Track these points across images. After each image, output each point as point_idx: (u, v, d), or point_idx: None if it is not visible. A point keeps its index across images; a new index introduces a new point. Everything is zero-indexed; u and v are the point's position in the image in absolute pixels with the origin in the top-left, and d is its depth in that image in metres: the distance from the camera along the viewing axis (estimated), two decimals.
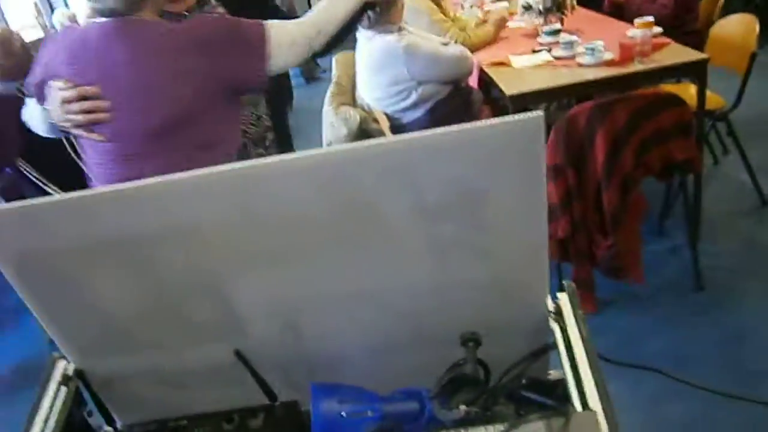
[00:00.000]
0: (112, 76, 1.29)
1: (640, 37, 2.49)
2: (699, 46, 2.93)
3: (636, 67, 2.46)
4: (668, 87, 2.95)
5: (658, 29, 2.68)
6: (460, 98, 2.71)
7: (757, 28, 2.66)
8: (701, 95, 2.48)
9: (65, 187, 0.91)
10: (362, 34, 2.68)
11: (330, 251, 0.78)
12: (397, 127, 2.76)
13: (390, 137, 0.69)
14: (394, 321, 0.82)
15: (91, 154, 1.39)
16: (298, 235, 0.76)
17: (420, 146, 0.68)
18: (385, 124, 2.80)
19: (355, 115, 3.35)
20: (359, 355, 0.85)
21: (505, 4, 4.02)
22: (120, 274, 0.82)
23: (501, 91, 2.57)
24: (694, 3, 3.31)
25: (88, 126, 1.32)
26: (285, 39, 1.39)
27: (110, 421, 0.95)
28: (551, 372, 0.88)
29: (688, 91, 2.86)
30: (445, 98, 2.67)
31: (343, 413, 0.78)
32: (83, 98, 1.29)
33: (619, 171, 2.24)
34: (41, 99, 1.39)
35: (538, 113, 0.65)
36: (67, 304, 0.83)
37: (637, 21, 2.70)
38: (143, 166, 1.32)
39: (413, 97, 2.64)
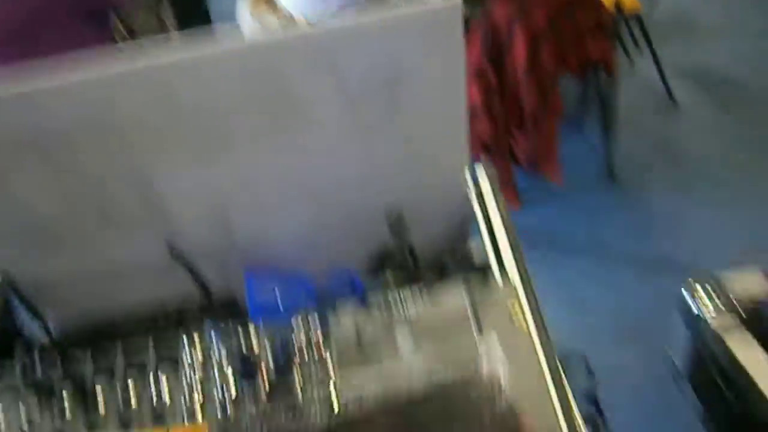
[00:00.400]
0: None
1: None
2: None
3: None
4: None
5: None
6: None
7: None
8: None
9: None
10: None
11: (256, 141, 0.79)
12: None
13: (309, 29, 0.69)
14: (322, 205, 0.85)
15: None
16: (223, 127, 0.76)
17: (341, 33, 0.69)
18: None
19: (274, 22, 3.25)
20: (290, 240, 0.88)
21: None
22: (40, 175, 0.80)
23: None
24: None
25: None
26: None
27: (43, 328, 0.95)
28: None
29: None
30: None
31: (277, 298, 0.81)
32: None
33: (538, 70, 2.29)
34: None
35: (456, 2, 0.67)
36: None
37: None
38: None
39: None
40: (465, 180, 0.84)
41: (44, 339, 0.91)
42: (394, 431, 0.67)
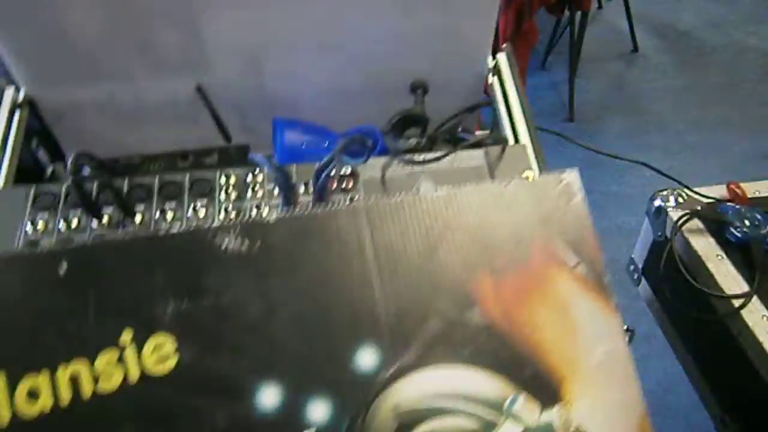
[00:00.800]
0: None
1: None
2: None
3: None
4: None
5: None
6: None
7: None
8: None
9: None
10: None
11: None
12: None
13: None
14: (351, 64, 0.90)
15: None
16: None
17: None
18: None
19: None
20: (317, 98, 0.93)
21: None
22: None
23: None
24: None
25: None
26: None
27: (58, 159, 0.97)
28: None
29: None
30: None
31: (303, 144, 0.86)
32: None
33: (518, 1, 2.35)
34: None
35: None
36: (24, 22, 0.81)
37: None
38: None
39: None
40: (487, 62, 0.90)
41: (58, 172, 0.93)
42: None
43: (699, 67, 3.05)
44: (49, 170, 0.94)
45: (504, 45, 0.93)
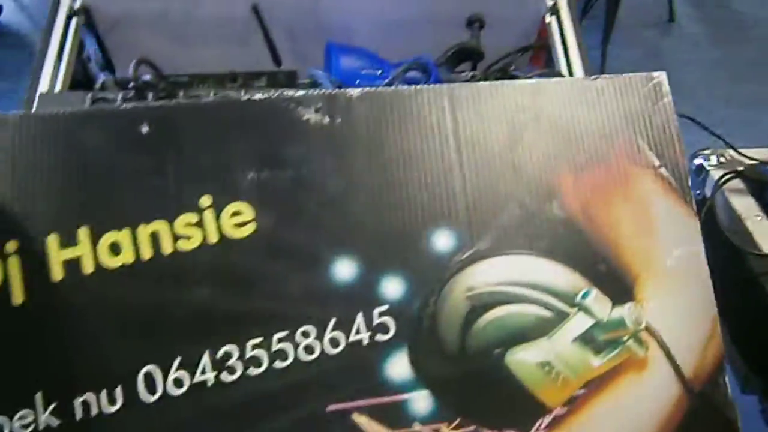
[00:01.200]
0: None
1: None
2: None
3: None
4: None
5: None
6: None
7: None
8: None
9: None
10: None
11: None
12: None
13: None
14: None
15: None
16: None
17: None
18: None
19: None
20: (372, 27, 0.92)
21: None
22: None
23: None
24: None
25: None
26: None
27: (109, 71, 0.97)
28: None
29: None
30: None
31: (358, 70, 0.86)
32: None
33: None
34: None
35: None
36: None
37: None
38: None
39: None
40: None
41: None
42: None
43: (734, 41, 2.99)
44: (100, 81, 0.94)
45: None
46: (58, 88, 0.83)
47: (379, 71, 0.87)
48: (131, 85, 0.72)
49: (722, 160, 1.12)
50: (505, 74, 0.90)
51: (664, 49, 2.96)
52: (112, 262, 0.43)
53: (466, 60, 0.88)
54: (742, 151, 1.11)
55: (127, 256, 0.43)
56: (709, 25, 3.10)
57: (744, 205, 1.03)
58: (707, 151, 1.14)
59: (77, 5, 0.88)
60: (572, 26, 0.87)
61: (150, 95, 0.75)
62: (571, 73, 0.84)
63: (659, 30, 3.06)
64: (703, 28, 3.08)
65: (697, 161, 1.12)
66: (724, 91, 2.71)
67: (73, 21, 0.86)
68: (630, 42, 2.96)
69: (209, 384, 0.43)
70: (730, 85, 2.74)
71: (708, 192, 1.08)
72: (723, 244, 1.03)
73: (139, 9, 0.90)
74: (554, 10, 0.91)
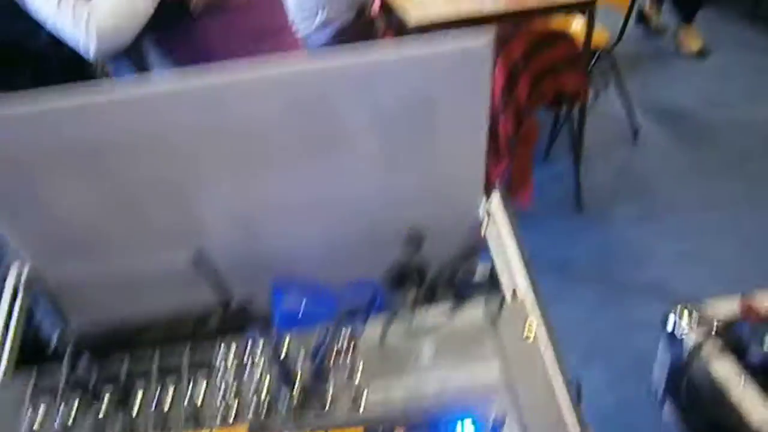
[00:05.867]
0: None
1: None
2: None
3: (532, 2, 2.60)
4: (557, 22, 3.12)
5: None
6: (363, 25, 2.75)
7: None
8: (589, 32, 2.67)
9: None
10: None
11: (292, 161, 0.84)
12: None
13: (355, 53, 0.74)
14: (346, 222, 0.90)
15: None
16: (262, 146, 0.81)
17: (383, 64, 0.75)
18: None
19: None
20: (314, 254, 0.93)
21: None
22: (81, 181, 0.84)
23: (401, 17, 2.63)
24: None
25: None
26: None
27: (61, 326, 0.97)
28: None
29: (574, 26, 3.05)
30: (349, 25, 2.69)
31: (300, 310, 0.86)
32: None
33: (515, 100, 2.40)
34: None
35: (490, 34, 0.74)
36: (25, 207, 0.84)
37: None
38: None
39: (319, 17, 2.64)
40: (481, 206, 0.90)
41: (64, 344, 0.93)
42: None
43: (702, 146, 3.06)
44: (55, 336, 0.94)
45: (495, 188, 0.94)
46: (3, 367, 0.83)
47: (324, 307, 0.87)
48: (64, 376, 0.72)
49: (694, 317, 1.10)
50: (452, 285, 0.90)
51: (636, 164, 3.03)
52: None
53: (410, 277, 0.88)
54: (713, 306, 1.09)
55: None
56: (674, 134, 3.20)
57: (725, 370, 1.00)
58: (678, 310, 1.12)
59: (25, 273, 0.90)
60: (510, 233, 0.88)
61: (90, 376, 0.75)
62: (514, 289, 0.84)
63: (628, 146, 3.14)
64: (669, 138, 3.17)
65: (670, 326, 1.10)
66: (702, 196, 2.74)
67: (19, 297, 0.87)
68: (601, 161, 3.03)
69: None
70: (706, 189, 2.77)
71: (685, 356, 1.05)
72: (712, 414, 0.99)
73: (84, 271, 0.91)
74: (491, 217, 0.92)
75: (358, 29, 2.73)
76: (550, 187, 2.89)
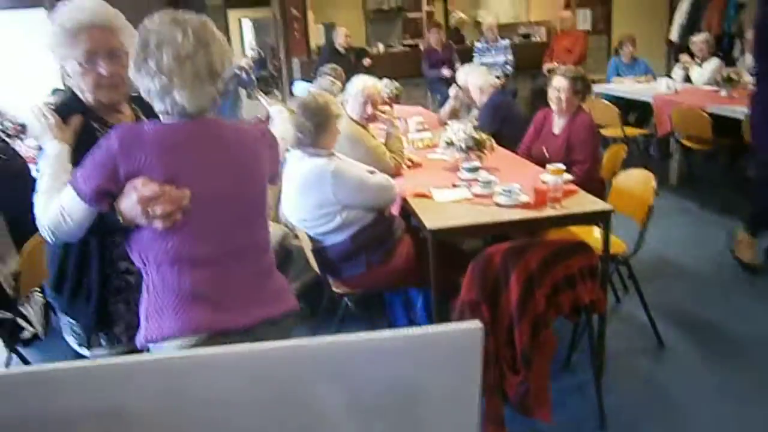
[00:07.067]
0: (217, 160, 1.53)
1: (552, 183, 2.68)
2: (601, 191, 3.19)
3: (548, 212, 2.64)
4: (574, 229, 3.15)
5: (568, 176, 2.91)
6: (382, 226, 2.79)
7: (654, 183, 2.93)
8: (606, 242, 2.67)
9: None
10: (293, 154, 2.74)
11: None
12: (318, 250, 2.79)
13: (329, 337, 0.70)
14: None
15: (171, 239, 1.50)
16: (229, 425, 0.75)
17: (360, 347, 0.71)
18: (306, 245, 2.82)
19: (276, 231, 3.37)
20: None
21: (429, 134, 4.26)
22: None
23: (419, 221, 2.68)
24: (600, 156, 3.64)
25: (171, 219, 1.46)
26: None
27: None
28: None
29: (592, 233, 3.07)
30: (368, 225, 2.74)
31: None
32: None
33: (531, 311, 2.34)
34: (100, 199, 1.47)
35: (477, 324, 0.69)
36: None
37: (550, 167, 2.92)
38: (231, 238, 1.56)
39: (337, 220, 2.69)
40: None
41: None
42: None
43: (731, 363, 2.91)
44: None
45: None
46: None
47: None
48: None
49: None
50: None
51: (661, 377, 2.87)
52: None
53: None
54: None
55: None
56: (700, 347, 3.06)
57: None
58: None
59: None
60: None
61: None
62: None
63: (652, 356, 3.00)
64: (695, 351, 3.03)
65: None
66: (732, 419, 2.54)
67: None
68: (624, 372, 2.89)
69: None
70: (736, 413, 2.58)
71: None
72: None
73: None
74: None
75: (377, 230, 2.76)
76: (570, 400, 2.73)
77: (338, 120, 2.75)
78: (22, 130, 5.10)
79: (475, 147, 3.24)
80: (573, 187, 2.85)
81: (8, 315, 2.83)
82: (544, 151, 3.61)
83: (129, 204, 1.45)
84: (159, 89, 1.46)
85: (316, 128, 2.64)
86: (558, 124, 3.65)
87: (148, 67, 1.44)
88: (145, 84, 1.46)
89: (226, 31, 9.62)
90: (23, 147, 4.13)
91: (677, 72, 6.44)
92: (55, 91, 5.96)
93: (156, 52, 1.44)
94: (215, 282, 1.55)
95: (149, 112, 1.69)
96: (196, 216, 1.50)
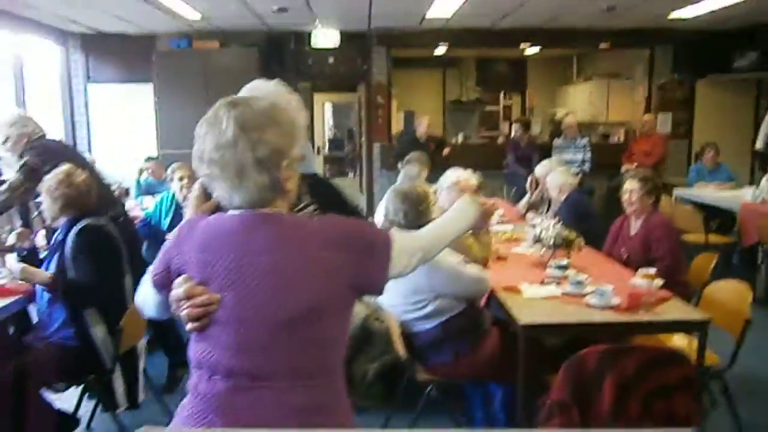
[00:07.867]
0: (249, 265, 1.33)
1: (646, 287, 2.67)
2: (686, 296, 3.11)
3: (643, 316, 2.61)
4: (662, 335, 3.08)
5: (659, 281, 2.88)
6: (472, 316, 2.81)
7: (750, 296, 2.86)
8: (701, 352, 2.61)
9: None
10: None
11: None
12: (407, 336, 2.82)
13: None
14: None
15: (202, 343, 1.39)
16: None
17: None
18: (396, 331, 2.85)
19: (360, 311, 3.43)
20: None
21: (510, 226, 4.32)
22: None
23: (509, 315, 2.69)
24: (682, 258, 3.58)
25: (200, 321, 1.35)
26: (406, 249, 1.50)
27: None
28: None
29: (681, 341, 3.00)
30: (458, 314, 2.76)
31: None
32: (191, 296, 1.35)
33: (624, 418, 2.28)
34: (162, 287, 1.45)
35: None
36: None
37: (642, 271, 2.90)
38: (264, 358, 1.34)
39: (429, 308, 2.73)
40: None
41: None
42: None
43: None
44: None
45: None
46: None
47: None
48: None
49: None
50: None
51: None
52: None
53: None
54: None
55: None
56: None
57: None
58: None
59: None
60: None
61: None
62: None
63: None
64: None
65: None
66: None
67: None
68: None
69: None
70: None
71: None
72: None
73: None
74: None
75: (466, 320, 2.78)
76: None
77: (435, 210, 2.85)
78: (125, 192, 5.45)
79: (564, 245, 3.26)
80: (666, 293, 2.82)
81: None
82: (623, 252, 3.60)
83: (171, 299, 1.40)
84: (208, 180, 1.39)
85: (419, 216, 2.73)
86: (634, 226, 3.69)
87: (197, 152, 1.37)
88: (202, 171, 1.39)
89: (311, 112, 10.08)
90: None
91: (764, 183, 6.33)
92: (149, 158, 6.40)
93: (201, 139, 1.36)
94: (231, 401, 1.34)
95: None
96: (222, 324, 1.34)
